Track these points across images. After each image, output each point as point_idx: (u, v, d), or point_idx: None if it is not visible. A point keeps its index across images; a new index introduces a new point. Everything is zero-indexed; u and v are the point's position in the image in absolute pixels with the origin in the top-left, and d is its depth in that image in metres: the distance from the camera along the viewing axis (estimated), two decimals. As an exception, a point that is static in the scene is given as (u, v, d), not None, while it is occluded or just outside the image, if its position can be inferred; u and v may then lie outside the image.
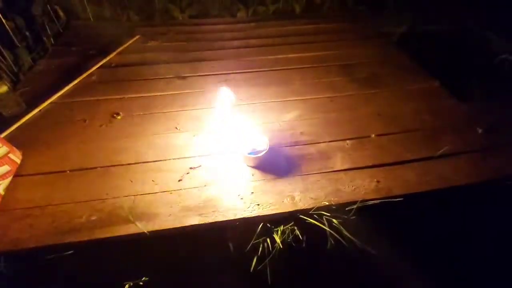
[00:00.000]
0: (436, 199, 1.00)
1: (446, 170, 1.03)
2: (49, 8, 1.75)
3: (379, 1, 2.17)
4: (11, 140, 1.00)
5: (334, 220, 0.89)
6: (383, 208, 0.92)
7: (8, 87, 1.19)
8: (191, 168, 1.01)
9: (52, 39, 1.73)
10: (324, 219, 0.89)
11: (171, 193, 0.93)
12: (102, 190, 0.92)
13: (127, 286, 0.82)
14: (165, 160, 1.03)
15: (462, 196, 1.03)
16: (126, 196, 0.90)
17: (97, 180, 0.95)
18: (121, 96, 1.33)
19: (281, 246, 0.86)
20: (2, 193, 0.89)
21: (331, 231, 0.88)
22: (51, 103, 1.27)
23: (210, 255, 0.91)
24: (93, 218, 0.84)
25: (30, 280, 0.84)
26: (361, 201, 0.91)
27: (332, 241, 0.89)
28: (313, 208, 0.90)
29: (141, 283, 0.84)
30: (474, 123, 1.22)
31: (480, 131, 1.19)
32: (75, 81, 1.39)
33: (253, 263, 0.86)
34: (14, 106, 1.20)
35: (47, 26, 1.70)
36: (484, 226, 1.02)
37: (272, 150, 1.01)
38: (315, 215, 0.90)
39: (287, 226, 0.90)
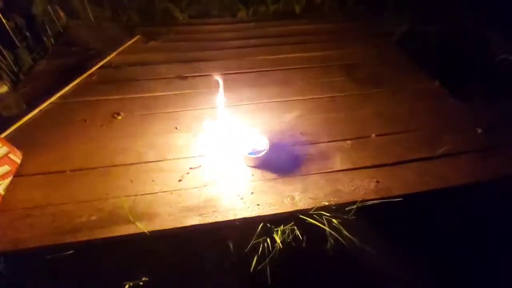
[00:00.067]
0: (436, 199, 1.00)
1: (445, 170, 1.03)
2: (49, 8, 1.75)
3: (379, 1, 2.16)
4: (11, 140, 1.00)
5: (334, 220, 0.89)
6: (383, 208, 0.92)
7: (9, 87, 1.19)
8: (191, 168, 1.01)
9: (52, 39, 1.73)
10: (324, 219, 0.89)
11: (171, 193, 0.93)
12: (102, 190, 0.92)
13: (127, 286, 0.82)
14: (165, 160, 1.03)
15: (462, 196, 1.03)
16: (127, 196, 0.91)
17: (97, 180, 0.96)
18: (122, 96, 1.33)
19: (281, 246, 0.86)
20: (2, 193, 0.89)
21: (331, 231, 0.88)
22: (51, 103, 1.27)
23: (210, 255, 0.91)
24: (93, 218, 0.85)
25: (30, 280, 0.84)
26: (361, 201, 0.91)
27: (332, 241, 0.89)
28: (313, 208, 0.90)
29: (141, 283, 0.84)
30: (474, 123, 1.22)
31: (479, 131, 1.19)
32: (76, 81, 1.39)
33: (253, 263, 0.86)
34: (14, 106, 1.20)
35: (47, 26, 1.71)
36: (484, 226, 1.02)
37: (272, 150, 1.01)
38: (315, 215, 0.90)
39: (287, 226, 0.90)
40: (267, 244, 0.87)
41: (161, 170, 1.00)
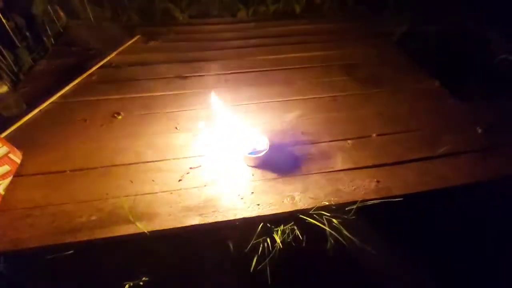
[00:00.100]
0: (436, 199, 1.00)
1: (446, 170, 1.03)
2: (49, 8, 1.75)
3: (379, 1, 2.16)
4: (11, 140, 1.00)
5: (334, 220, 0.89)
6: (383, 208, 0.92)
7: (9, 87, 1.19)
8: (191, 168, 1.01)
9: (52, 39, 1.73)
10: (324, 219, 0.89)
11: (171, 193, 0.93)
12: (102, 190, 0.92)
13: (127, 286, 0.82)
14: (165, 160, 1.03)
15: (462, 196, 1.03)
16: (126, 196, 0.91)
17: (97, 180, 0.96)
18: (122, 96, 1.33)
19: (281, 246, 0.86)
20: (2, 193, 0.89)
21: (331, 231, 0.88)
22: (51, 103, 1.27)
23: (210, 255, 0.91)
24: (93, 218, 0.84)
25: (30, 280, 0.84)
26: (361, 201, 0.91)
27: (332, 241, 0.89)
28: (313, 208, 0.90)
29: (141, 283, 0.84)
30: (474, 123, 1.22)
31: (479, 131, 1.19)
32: (76, 81, 1.39)
33: (253, 263, 0.86)
34: (14, 106, 1.20)
35: (47, 26, 1.71)
36: (484, 226, 1.02)
37: (272, 150, 1.01)
38: (315, 215, 0.90)
39: (287, 226, 0.90)
40: (267, 244, 0.87)
41: (161, 170, 1.00)
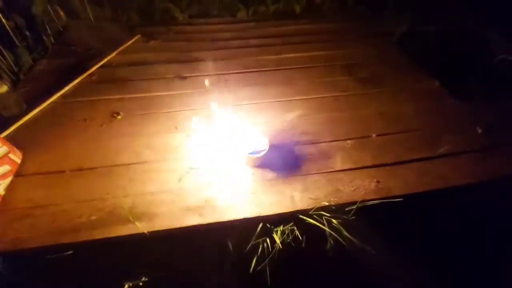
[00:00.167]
0: (436, 199, 1.00)
1: (446, 170, 1.03)
2: (49, 8, 1.75)
3: (379, 1, 2.16)
4: (12, 140, 1.00)
5: (333, 220, 0.89)
6: (383, 208, 0.92)
7: (9, 87, 1.19)
8: (190, 168, 1.01)
9: (52, 38, 1.73)
10: (324, 219, 0.89)
11: (171, 193, 0.93)
12: (102, 190, 0.92)
13: (126, 286, 0.82)
14: (165, 160, 1.03)
15: (462, 196, 1.03)
16: (126, 196, 0.91)
17: (97, 180, 0.96)
18: (121, 96, 1.33)
19: (281, 246, 0.86)
20: (3, 193, 0.89)
21: (330, 231, 0.88)
22: (51, 103, 1.27)
23: (209, 255, 0.91)
24: (93, 218, 0.84)
25: (29, 280, 0.84)
26: (361, 202, 0.91)
27: (332, 242, 0.89)
28: (312, 208, 0.90)
29: (140, 283, 0.84)
30: (474, 123, 1.22)
31: (479, 131, 1.19)
32: (76, 81, 1.39)
33: (253, 263, 0.86)
34: (15, 106, 1.20)
35: (47, 26, 1.70)
36: (484, 226, 1.02)
37: (272, 150, 1.01)
38: (314, 215, 0.90)
39: (286, 226, 0.90)
40: (267, 244, 0.87)
41: (161, 170, 1.00)
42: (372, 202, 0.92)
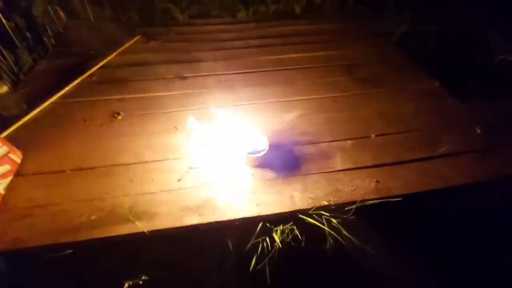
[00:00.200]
0: (436, 199, 1.00)
1: (445, 170, 1.03)
2: (49, 8, 1.75)
3: (379, 1, 2.16)
4: (12, 140, 1.01)
5: (333, 220, 0.89)
6: (382, 208, 0.92)
7: (9, 88, 1.19)
8: (190, 168, 1.01)
9: (52, 39, 1.74)
10: (324, 219, 0.89)
11: (170, 192, 0.93)
12: (102, 189, 0.92)
13: (126, 285, 0.82)
14: (164, 160, 1.04)
15: (462, 196, 1.03)
16: (126, 196, 0.91)
17: (97, 179, 0.96)
18: (121, 96, 1.33)
19: (281, 246, 0.86)
20: (3, 192, 0.89)
21: (330, 231, 0.88)
22: (51, 103, 1.27)
23: (209, 255, 0.92)
24: (93, 217, 0.85)
25: (29, 279, 0.84)
26: (361, 201, 0.91)
27: (331, 241, 0.89)
28: (312, 208, 0.90)
29: (140, 282, 0.84)
30: (474, 123, 1.22)
31: (479, 131, 1.19)
32: (76, 81, 1.39)
33: (253, 263, 0.86)
34: (15, 106, 1.20)
35: (47, 26, 1.71)
36: (484, 226, 1.02)
37: (272, 149, 1.01)
38: (314, 215, 0.90)
39: (286, 226, 0.90)
40: (267, 243, 0.87)
41: (161, 170, 1.00)
42: (371, 202, 0.92)
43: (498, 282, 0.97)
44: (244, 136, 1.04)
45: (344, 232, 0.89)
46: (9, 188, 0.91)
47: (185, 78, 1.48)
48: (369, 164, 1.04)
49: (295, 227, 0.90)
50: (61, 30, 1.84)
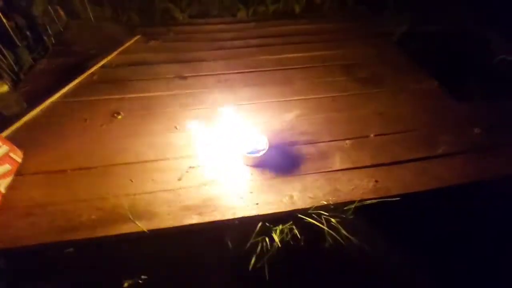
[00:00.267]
0: (435, 199, 1.00)
1: (444, 170, 1.03)
2: (49, 8, 1.76)
3: (379, 1, 2.16)
4: (12, 139, 1.01)
5: (332, 220, 0.89)
6: (381, 208, 0.92)
7: (9, 87, 1.19)
8: (190, 167, 1.01)
9: (52, 38, 1.74)
10: (323, 218, 0.89)
11: (170, 192, 0.93)
12: (102, 189, 0.93)
13: (126, 284, 0.83)
14: (165, 159, 1.04)
15: (462, 196, 1.03)
16: (126, 195, 0.91)
17: (97, 179, 0.96)
18: (122, 96, 1.33)
19: (280, 245, 0.86)
20: (4, 191, 0.89)
21: (329, 230, 0.88)
22: (52, 102, 1.27)
23: (209, 254, 0.92)
24: (94, 216, 0.85)
25: (30, 278, 0.85)
26: (359, 201, 0.92)
27: (330, 240, 0.89)
28: (311, 207, 0.90)
29: (140, 281, 0.84)
30: (473, 123, 1.22)
31: (478, 131, 1.19)
32: (76, 81, 1.39)
33: (252, 262, 0.86)
34: (15, 105, 1.21)
35: (47, 26, 1.71)
36: (484, 226, 1.02)
37: (271, 149, 1.01)
38: (313, 214, 0.90)
39: (285, 225, 0.90)
40: (266, 243, 0.87)
41: (161, 169, 1.00)
42: (370, 201, 0.92)
43: (498, 282, 0.97)
44: (243, 136, 1.04)
45: (343, 231, 0.89)
46: (10, 187, 0.92)
47: (185, 78, 1.48)
48: (368, 164, 1.04)
49: (294, 227, 0.90)
50: (61, 29, 1.85)
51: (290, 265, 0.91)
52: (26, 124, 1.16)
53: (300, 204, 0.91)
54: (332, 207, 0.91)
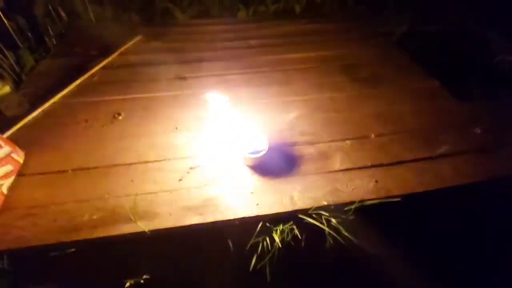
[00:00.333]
0: (435, 199, 1.00)
1: (445, 170, 1.03)
2: (51, 8, 1.76)
3: (379, 1, 2.16)
4: (14, 140, 1.01)
5: (332, 220, 0.90)
6: (382, 208, 0.92)
7: (11, 88, 1.20)
8: (191, 168, 1.01)
9: (54, 39, 1.75)
10: (323, 218, 0.90)
11: (171, 192, 0.93)
12: (103, 189, 0.93)
13: (128, 284, 0.83)
14: (165, 160, 1.04)
15: (462, 196, 1.03)
16: (127, 196, 0.91)
17: (98, 179, 0.97)
18: (123, 97, 1.34)
19: (280, 245, 0.87)
20: (5, 192, 0.90)
21: (329, 231, 0.89)
22: (53, 103, 1.28)
23: (210, 254, 0.92)
24: (95, 217, 0.85)
25: (32, 278, 0.85)
26: (360, 201, 0.92)
27: (331, 241, 0.89)
28: (312, 207, 0.90)
29: (142, 281, 0.85)
30: (474, 123, 1.22)
31: (479, 131, 1.19)
32: (77, 82, 1.40)
33: (253, 262, 0.87)
34: (17, 106, 1.21)
35: (49, 26, 1.72)
36: (484, 226, 1.02)
37: (271, 150, 1.01)
38: (314, 215, 0.90)
39: (286, 226, 0.90)
40: (267, 243, 0.88)
41: (162, 170, 1.00)
42: (371, 202, 0.93)
43: (498, 282, 0.97)
44: (243, 136, 1.04)
45: (344, 231, 0.89)
46: (12, 188, 0.92)
47: (185, 78, 1.48)
48: (368, 164, 1.05)
49: (294, 227, 0.90)
50: (63, 30, 1.85)
51: (291, 265, 0.92)
52: (28, 124, 1.17)
53: (300, 205, 0.91)
54: (333, 207, 0.91)
